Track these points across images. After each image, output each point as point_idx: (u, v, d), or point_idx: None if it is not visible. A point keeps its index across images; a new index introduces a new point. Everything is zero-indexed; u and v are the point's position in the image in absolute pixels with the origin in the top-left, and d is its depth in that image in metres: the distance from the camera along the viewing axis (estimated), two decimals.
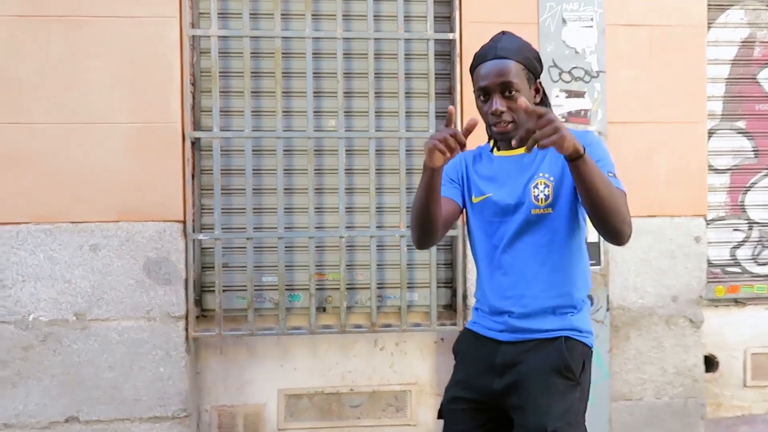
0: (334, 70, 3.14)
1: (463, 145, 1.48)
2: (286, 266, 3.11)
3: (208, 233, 3.04)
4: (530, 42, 1.71)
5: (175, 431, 2.95)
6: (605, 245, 3.11)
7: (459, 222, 2.84)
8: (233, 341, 3.14)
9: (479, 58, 1.67)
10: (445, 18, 3.24)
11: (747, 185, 3.55)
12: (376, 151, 3.15)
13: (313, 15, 3.12)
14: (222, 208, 3.07)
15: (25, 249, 2.89)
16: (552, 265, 1.66)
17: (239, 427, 3.15)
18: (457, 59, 3.12)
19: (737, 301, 3.52)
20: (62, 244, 2.90)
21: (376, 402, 3.25)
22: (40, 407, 2.90)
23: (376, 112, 3.16)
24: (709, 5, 3.27)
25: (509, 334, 1.69)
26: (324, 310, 3.22)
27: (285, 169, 3.13)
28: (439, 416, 1.80)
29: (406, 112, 3.18)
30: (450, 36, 3.14)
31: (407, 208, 3.14)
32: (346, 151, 3.15)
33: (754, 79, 3.53)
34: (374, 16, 3.13)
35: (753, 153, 3.54)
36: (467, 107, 3.05)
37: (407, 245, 3.10)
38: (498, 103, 1.62)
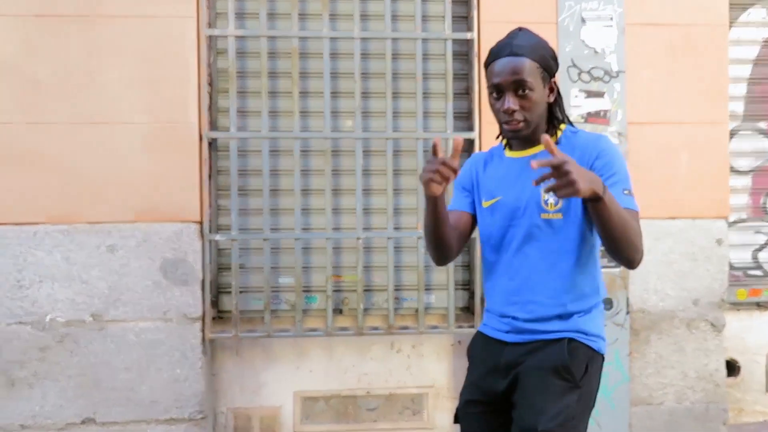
0: (351, 71, 3.12)
1: (455, 171, 1.49)
2: (302, 268, 3.09)
3: (224, 234, 3.02)
4: (549, 42, 1.68)
5: None
6: None
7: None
8: (249, 343, 3.12)
9: (494, 54, 1.63)
10: (463, 18, 3.21)
11: None
12: (394, 151, 3.12)
13: (330, 15, 3.10)
14: (239, 209, 3.06)
15: (43, 249, 2.89)
16: (560, 272, 1.63)
17: (255, 430, 3.13)
18: (475, 59, 3.10)
19: (759, 305, 3.46)
20: (79, 245, 2.90)
21: (392, 405, 3.22)
22: (56, 408, 2.89)
23: (393, 112, 3.14)
24: (730, 3, 3.22)
25: (515, 335, 1.67)
26: (340, 312, 3.20)
27: (302, 170, 3.11)
28: (456, 420, 1.79)
29: (424, 113, 3.16)
30: (468, 36, 3.11)
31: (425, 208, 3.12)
32: (364, 151, 3.13)
33: None
34: (392, 15, 3.11)
35: None
36: (485, 108, 3.01)
37: (424, 247, 3.07)
38: (510, 102, 1.59)
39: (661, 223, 3.14)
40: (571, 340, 1.62)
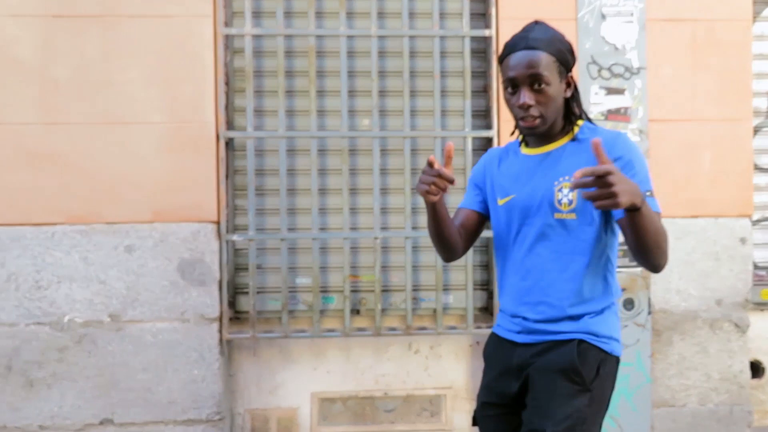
0: (368, 69, 3.09)
1: (451, 181, 1.49)
2: (320, 268, 3.07)
3: (242, 234, 3.01)
4: (568, 38, 1.64)
5: None
6: None
7: None
8: (266, 343, 3.11)
9: (509, 48, 1.59)
10: (481, 15, 3.18)
11: None
12: (411, 150, 3.09)
13: (347, 13, 3.08)
14: (256, 209, 3.04)
15: (61, 250, 2.89)
16: (573, 273, 1.59)
17: (272, 431, 3.11)
18: (494, 56, 3.07)
19: None
20: (97, 245, 2.89)
21: (410, 406, 3.19)
22: (74, 409, 2.89)
23: (410, 110, 3.11)
24: None
25: (525, 336, 1.64)
26: (358, 312, 3.17)
27: (319, 169, 3.09)
28: (474, 423, 1.77)
29: (442, 111, 3.13)
30: (486, 33, 3.08)
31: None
32: (381, 150, 3.11)
33: None
34: (409, 13, 3.09)
35: None
36: (504, 105, 2.95)
37: None
38: (526, 96, 1.54)
39: (683, 222, 3.09)
40: (581, 341, 1.58)
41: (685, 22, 3.10)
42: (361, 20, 3.14)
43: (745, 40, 3.13)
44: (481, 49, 3.19)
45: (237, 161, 3.12)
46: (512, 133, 1.77)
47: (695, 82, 3.10)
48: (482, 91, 3.20)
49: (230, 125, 3.09)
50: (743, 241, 3.13)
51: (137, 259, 2.91)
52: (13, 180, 2.88)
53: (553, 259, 1.60)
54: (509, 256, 1.69)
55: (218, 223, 2.96)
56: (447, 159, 1.56)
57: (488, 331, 2.98)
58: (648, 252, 1.42)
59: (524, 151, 1.70)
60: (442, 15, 3.14)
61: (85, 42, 2.91)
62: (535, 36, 1.56)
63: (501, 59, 1.61)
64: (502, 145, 2.96)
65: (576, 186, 1.28)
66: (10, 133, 2.88)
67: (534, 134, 1.61)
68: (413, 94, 3.14)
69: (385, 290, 3.17)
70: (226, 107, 3.04)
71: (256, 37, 3.07)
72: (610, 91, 3.07)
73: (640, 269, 3.03)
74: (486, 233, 2.90)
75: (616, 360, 1.63)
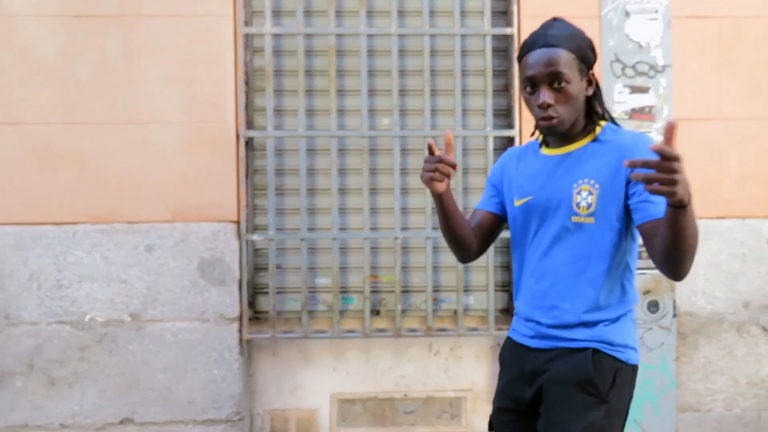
0: (388, 68, 3.07)
1: (454, 166, 1.52)
2: (339, 268, 3.06)
3: (261, 234, 2.99)
4: (592, 36, 1.60)
5: None
6: None
7: None
8: (285, 344, 3.09)
9: (527, 46, 1.55)
10: (502, 13, 3.14)
11: None
12: None
13: (367, 11, 3.07)
14: (275, 209, 3.03)
15: (82, 249, 2.90)
16: (589, 278, 1.54)
17: None
18: (515, 55, 3.02)
19: None
20: (118, 244, 2.90)
21: (430, 408, 3.16)
22: (95, 408, 2.90)
23: (431, 110, 3.09)
24: None
25: (539, 341, 1.60)
26: (377, 313, 3.15)
27: (339, 169, 3.07)
28: (490, 428, 1.73)
29: (463, 110, 3.10)
30: (508, 31, 3.04)
31: (464, 208, 3.06)
32: (401, 150, 3.08)
33: None
34: (429, 11, 3.06)
35: None
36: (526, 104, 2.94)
37: None
38: (545, 95, 1.50)
39: (710, 223, 3.03)
40: (595, 351, 1.53)
41: (712, 18, 3.04)
42: (382, 19, 3.12)
43: None
44: (502, 47, 3.15)
45: (257, 161, 3.11)
46: (532, 133, 1.73)
47: (722, 80, 3.04)
48: (504, 90, 3.16)
49: (250, 125, 3.08)
50: None
51: (157, 259, 2.91)
52: (34, 179, 2.89)
53: (569, 263, 1.55)
54: (525, 259, 1.66)
55: (238, 222, 2.95)
56: (447, 146, 1.55)
57: None
58: (681, 255, 1.33)
59: (544, 151, 1.66)
60: (463, 13, 3.11)
61: (106, 42, 2.92)
62: (554, 33, 1.52)
63: (519, 58, 1.58)
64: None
65: (643, 165, 1.18)
66: (31, 133, 2.90)
67: (554, 134, 1.56)
68: (434, 93, 3.12)
69: (406, 291, 3.14)
70: (246, 107, 3.03)
71: (276, 36, 3.06)
72: (634, 89, 3.02)
73: None
74: (506, 234, 2.87)
75: (633, 369, 1.58)
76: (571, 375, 1.52)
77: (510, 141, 3.06)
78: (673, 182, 1.17)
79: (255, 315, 3.12)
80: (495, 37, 3.09)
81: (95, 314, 2.90)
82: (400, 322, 3.02)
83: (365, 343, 3.12)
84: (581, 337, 1.55)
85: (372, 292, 3.11)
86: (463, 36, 3.08)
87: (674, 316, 2.99)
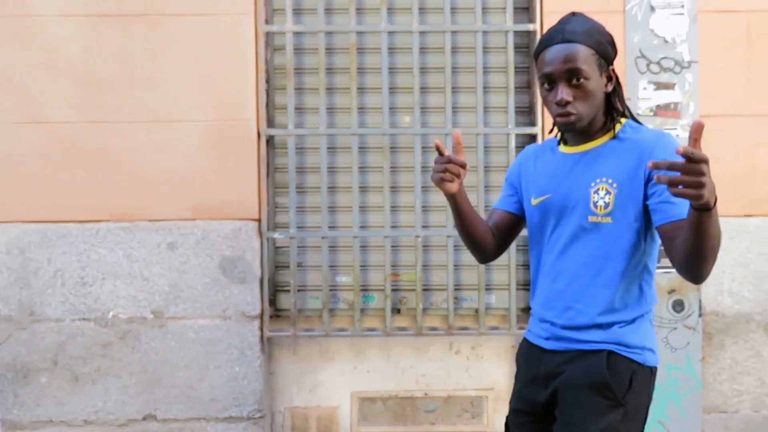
0: (409, 65, 3.06)
1: (463, 165, 1.53)
2: (360, 266, 3.05)
3: (282, 232, 3.00)
4: (615, 32, 1.56)
5: None
6: None
7: None
8: (306, 342, 3.10)
9: (544, 42, 1.51)
10: (524, 9, 3.11)
11: None
12: (453, 147, 3.04)
13: (388, 9, 3.05)
14: (296, 207, 3.04)
15: (105, 246, 2.92)
16: (605, 279, 1.50)
17: (312, 430, 3.10)
18: None
19: None
20: (141, 242, 2.92)
21: (451, 407, 3.14)
22: (118, 404, 2.92)
23: (452, 107, 3.06)
24: None
25: (553, 342, 1.58)
26: (398, 311, 3.14)
27: (360, 167, 3.06)
28: (507, 429, 1.71)
29: (484, 108, 3.07)
30: (530, 27, 3.01)
31: (485, 206, 3.04)
32: (422, 148, 3.06)
33: None
34: (451, 8, 3.04)
35: None
36: None
37: None
38: (563, 92, 1.47)
39: (737, 222, 2.98)
40: (610, 353, 1.50)
41: (739, 13, 2.98)
42: (402, 16, 3.10)
43: None
44: (524, 44, 3.12)
45: (278, 159, 3.12)
46: (551, 131, 1.71)
47: (749, 75, 2.99)
48: (526, 87, 3.13)
49: (271, 123, 3.09)
50: None
51: (179, 256, 2.92)
52: (59, 178, 2.92)
53: (585, 263, 1.52)
54: (542, 258, 1.63)
55: (259, 220, 2.96)
56: (456, 146, 1.56)
57: None
58: (702, 258, 1.29)
59: (562, 149, 1.63)
60: (485, 9, 3.09)
61: (129, 41, 2.94)
62: (572, 28, 1.48)
63: (536, 54, 1.54)
64: None
65: (668, 167, 1.15)
66: (56, 131, 2.93)
67: (572, 131, 1.54)
68: (455, 90, 3.10)
69: (427, 289, 3.12)
70: (267, 105, 3.03)
71: (297, 34, 3.06)
72: (659, 86, 2.98)
73: None
74: (526, 232, 2.84)
75: (651, 370, 1.54)
76: (585, 378, 1.50)
77: (532, 138, 3.03)
78: (700, 185, 1.14)
79: (276, 313, 3.12)
80: (517, 33, 3.06)
81: (118, 311, 2.92)
82: (421, 320, 3.01)
83: (386, 342, 3.11)
84: (595, 338, 1.52)
85: (393, 290, 3.09)
86: (484, 33, 3.05)
87: (700, 315, 2.95)
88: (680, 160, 1.14)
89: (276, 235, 2.99)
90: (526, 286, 3.16)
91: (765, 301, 2.99)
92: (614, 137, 1.54)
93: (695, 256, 1.29)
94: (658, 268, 2.87)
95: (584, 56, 1.46)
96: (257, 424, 2.93)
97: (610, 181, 1.49)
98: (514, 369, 3.06)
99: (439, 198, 3.10)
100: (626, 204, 1.47)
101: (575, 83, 1.47)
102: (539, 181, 1.63)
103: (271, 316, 3.05)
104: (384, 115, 3.01)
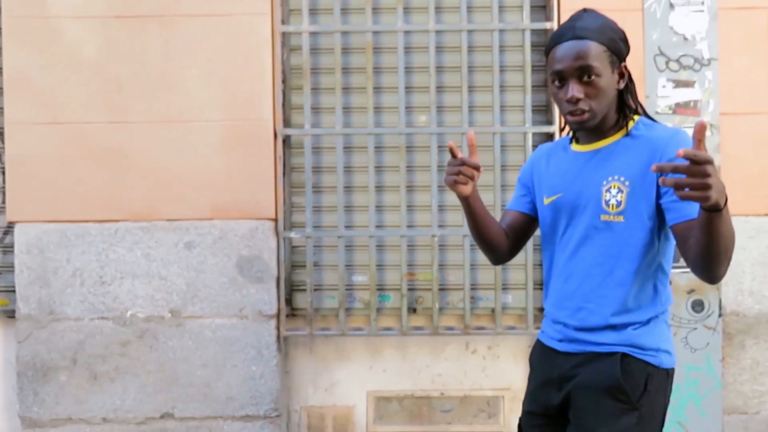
0: (425, 65, 3.05)
1: (477, 168, 1.52)
2: (376, 265, 3.05)
3: (299, 231, 3.00)
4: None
5: (267, 431, 2.93)
6: None
7: None
8: (322, 341, 3.10)
9: (555, 39, 1.49)
10: (541, 7, 3.10)
11: None
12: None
13: (404, 8, 3.05)
14: (313, 206, 3.04)
15: (123, 246, 2.94)
16: (617, 279, 1.48)
17: (329, 429, 3.10)
18: None
19: None
20: (158, 242, 2.94)
21: (467, 407, 3.13)
22: (136, 403, 2.94)
23: (469, 106, 3.05)
24: None
25: (566, 344, 1.55)
26: (414, 311, 3.13)
27: (376, 167, 3.06)
28: (519, 431, 1.70)
29: (501, 107, 3.06)
30: (547, 25, 2.99)
31: (502, 205, 3.02)
32: (438, 147, 3.06)
33: None
34: (467, 7, 3.03)
35: None
36: None
37: None
38: (574, 90, 1.45)
39: (757, 221, 2.93)
40: (624, 355, 1.47)
41: (760, 10, 2.94)
42: (419, 15, 3.09)
43: None
44: (541, 42, 3.10)
45: (294, 158, 3.12)
46: (562, 129, 1.69)
47: None
48: (542, 86, 3.11)
49: (287, 123, 3.09)
50: None
51: (197, 256, 2.94)
52: (77, 178, 2.95)
53: (597, 263, 1.50)
54: (554, 258, 1.61)
55: (276, 220, 2.97)
56: (470, 148, 1.55)
57: None
58: (715, 258, 1.27)
59: (574, 147, 1.61)
60: (501, 8, 3.07)
61: (147, 42, 2.96)
62: (583, 25, 1.46)
63: (547, 52, 1.53)
64: None
65: (672, 170, 1.14)
66: (74, 131, 2.95)
67: (583, 129, 1.51)
68: (471, 89, 3.08)
69: (443, 289, 3.12)
70: (284, 105, 3.04)
71: (313, 34, 3.06)
72: (679, 83, 2.95)
73: None
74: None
75: (668, 373, 1.51)
76: (599, 381, 1.48)
77: (549, 137, 3.01)
78: (706, 187, 1.13)
79: (292, 312, 3.13)
80: (534, 31, 3.04)
81: (136, 310, 2.94)
82: (437, 320, 3.00)
83: (402, 341, 3.10)
84: (609, 341, 1.50)
85: (409, 289, 3.09)
86: (501, 31, 3.04)
87: (720, 315, 2.91)
88: (684, 163, 1.13)
89: (292, 235, 3.00)
90: (543, 285, 3.14)
91: None
92: (627, 135, 1.52)
93: (708, 256, 1.28)
94: (678, 268, 2.84)
95: (596, 53, 1.44)
96: (274, 423, 2.94)
97: (622, 179, 1.47)
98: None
99: (455, 197, 3.08)
100: (639, 202, 1.45)
101: (587, 80, 1.45)
102: (551, 180, 1.62)
103: (287, 316, 3.06)
104: (400, 114, 3.00)
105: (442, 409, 3.14)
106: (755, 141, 2.93)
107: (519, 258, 3.03)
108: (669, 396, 1.52)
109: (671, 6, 2.93)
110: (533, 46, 3.05)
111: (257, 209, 2.94)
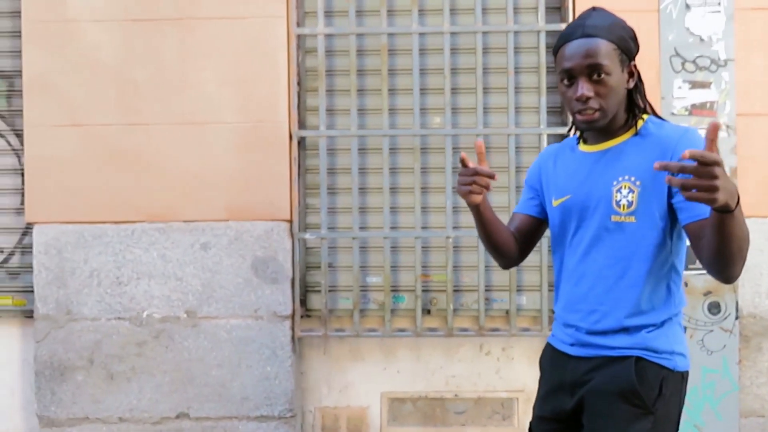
0: (440, 66, 3.05)
1: (491, 176, 1.48)
2: (391, 267, 3.05)
3: (314, 233, 3.02)
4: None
5: (281, 431, 2.95)
6: None
7: None
8: (336, 342, 3.11)
9: (564, 37, 1.48)
10: (556, 8, 3.09)
11: None
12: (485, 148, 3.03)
13: (419, 10, 3.06)
14: (327, 208, 3.05)
15: (140, 247, 2.97)
16: (630, 281, 1.46)
17: (342, 430, 3.11)
18: None
19: None
20: (174, 243, 2.96)
21: (481, 409, 3.13)
22: (152, 402, 2.96)
23: (483, 108, 3.05)
24: None
25: (579, 349, 1.53)
26: (428, 312, 3.13)
27: (390, 168, 3.07)
28: None
29: (516, 108, 3.06)
30: (562, 27, 2.99)
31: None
32: (453, 148, 3.06)
33: None
34: (482, 8, 3.03)
35: None
36: None
37: None
38: (584, 88, 1.42)
39: None
40: (638, 359, 1.45)
41: None
42: (433, 17, 3.10)
43: None
44: None
45: (309, 160, 3.13)
46: (569, 129, 1.68)
47: None
48: (557, 87, 3.10)
49: (302, 124, 3.11)
50: None
51: (212, 257, 2.96)
52: (95, 179, 2.98)
53: (609, 265, 1.48)
54: (564, 261, 1.59)
55: (291, 221, 2.98)
56: (479, 156, 1.52)
57: None
58: (729, 258, 1.26)
59: (582, 148, 1.59)
60: (516, 10, 3.07)
61: (163, 45, 2.98)
62: (592, 23, 1.45)
63: (555, 50, 1.51)
64: None
65: (679, 171, 1.13)
66: (92, 133, 2.98)
67: (592, 129, 1.49)
68: (486, 90, 3.08)
69: (457, 290, 3.12)
70: (299, 107, 3.06)
71: (329, 36, 3.08)
72: (695, 84, 2.93)
73: None
74: None
75: (682, 376, 1.49)
76: (613, 386, 1.46)
77: (563, 138, 3.00)
78: (713, 189, 1.12)
79: (307, 313, 3.14)
80: (549, 33, 3.03)
81: (152, 311, 2.96)
82: (451, 321, 3.00)
83: (416, 342, 3.11)
84: (622, 344, 1.48)
85: (423, 291, 3.09)
86: (516, 33, 3.04)
87: (737, 318, 2.89)
88: (692, 164, 1.12)
89: (307, 236, 3.01)
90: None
91: None
92: (636, 134, 1.51)
93: (721, 256, 1.26)
94: (694, 269, 2.83)
95: (605, 51, 1.43)
96: (288, 424, 2.95)
97: (632, 179, 1.45)
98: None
99: None
100: (650, 202, 1.43)
101: (596, 79, 1.43)
102: (559, 181, 1.60)
103: (302, 317, 3.07)
104: (415, 116, 3.01)
105: (456, 411, 3.14)
106: None
107: (533, 259, 3.03)
108: (684, 399, 1.51)
109: (687, 7, 2.92)
110: (548, 47, 3.05)
111: (272, 210, 2.96)
